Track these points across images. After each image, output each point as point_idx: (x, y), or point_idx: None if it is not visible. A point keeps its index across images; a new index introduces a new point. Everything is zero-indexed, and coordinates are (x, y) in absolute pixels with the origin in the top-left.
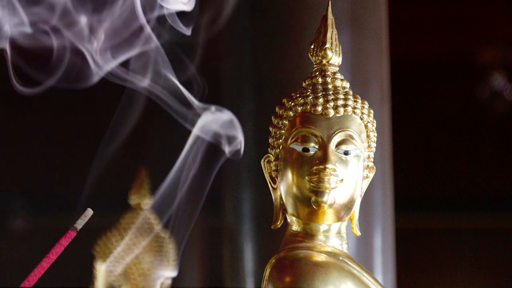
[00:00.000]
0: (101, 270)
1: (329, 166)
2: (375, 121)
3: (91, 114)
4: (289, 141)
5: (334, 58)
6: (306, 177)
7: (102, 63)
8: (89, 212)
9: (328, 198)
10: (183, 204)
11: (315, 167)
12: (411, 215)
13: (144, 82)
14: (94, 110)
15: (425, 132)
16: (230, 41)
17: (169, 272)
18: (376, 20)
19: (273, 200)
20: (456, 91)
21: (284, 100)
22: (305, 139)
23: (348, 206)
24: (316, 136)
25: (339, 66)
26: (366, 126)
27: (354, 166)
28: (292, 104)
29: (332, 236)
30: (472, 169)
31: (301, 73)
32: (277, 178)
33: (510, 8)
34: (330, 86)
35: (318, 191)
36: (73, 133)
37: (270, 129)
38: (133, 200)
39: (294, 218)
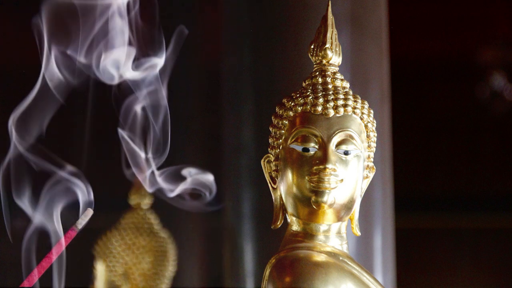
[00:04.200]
0: (101, 270)
1: (329, 166)
2: (375, 121)
3: (92, 114)
4: (289, 141)
5: (334, 58)
6: (306, 177)
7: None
8: (90, 212)
9: (328, 198)
10: None
11: (315, 167)
12: (411, 215)
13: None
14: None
15: (425, 132)
16: (230, 41)
17: (168, 272)
18: (376, 20)
19: (273, 200)
20: (456, 91)
21: (284, 100)
22: (305, 139)
23: (348, 206)
24: (316, 136)
25: (339, 66)
26: (366, 126)
27: (354, 166)
28: (292, 104)
29: (332, 236)
30: (472, 169)
31: (301, 73)
32: (277, 178)
33: (510, 8)
34: (330, 86)
35: (318, 191)
36: (74, 132)
37: (270, 129)
38: (133, 200)
39: (294, 218)
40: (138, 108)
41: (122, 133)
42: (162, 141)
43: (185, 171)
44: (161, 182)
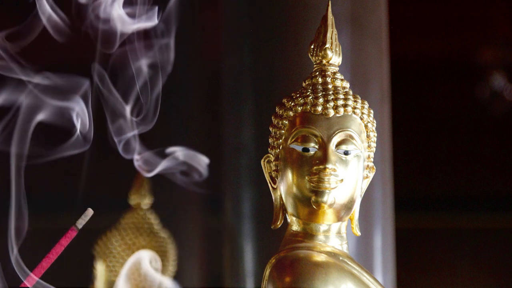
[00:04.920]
0: (101, 270)
1: (329, 166)
2: (375, 121)
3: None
4: (289, 141)
5: (334, 58)
6: (306, 177)
7: None
8: (90, 212)
9: (328, 198)
10: None
11: (315, 167)
12: (411, 215)
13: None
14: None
15: (425, 132)
16: (230, 41)
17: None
18: (376, 20)
19: (273, 200)
20: (456, 91)
21: (284, 100)
22: (305, 139)
23: (348, 206)
24: (316, 136)
25: (339, 66)
26: (366, 126)
27: (354, 166)
28: (292, 104)
29: (332, 236)
30: (472, 169)
31: (301, 73)
32: (277, 178)
33: (510, 8)
34: (330, 86)
35: (318, 191)
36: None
37: (270, 129)
38: (133, 200)
39: (294, 218)
40: (136, 64)
41: (96, 77)
42: (151, 108)
43: (174, 150)
44: (140, 163)
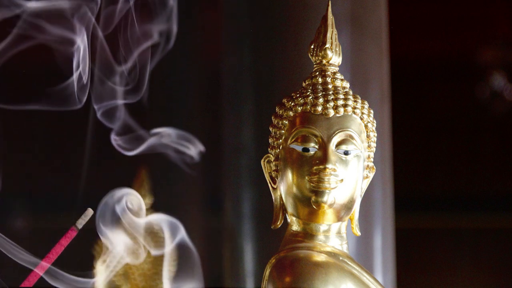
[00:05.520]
0: (101, 270)
1: (329, 166)
2: (375, 121)
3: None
4: (289, 141)
5: (334, 58)
6: (306, 177)
7: None
8: (90, 212)
9: (328, 198)
10: None
11: (315, 167)
12: (411, 215)
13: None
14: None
15: (425, 132)
16: (230, 41)
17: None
18: (376, 20)
19: (273, 200)
20: (456, 91)
21: (284, 100)
22: (305, 139)
23: (348, 206)
24: (316, 136)
25: (339, 66)
26: (366, 126)
27: (354, 166)
28: (292, 104)
29: (332, 236)
30: (472, 169)
31: (301, 73)
32: (277, 178)
33: (510, 8)
34: (330, 86)
35: (318, 191)
36: (73, 132)
37: (270, 129)
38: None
39: (294, 218)
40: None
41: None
42: (142, 79)
43: (160, 130)
44: (120, 143)
